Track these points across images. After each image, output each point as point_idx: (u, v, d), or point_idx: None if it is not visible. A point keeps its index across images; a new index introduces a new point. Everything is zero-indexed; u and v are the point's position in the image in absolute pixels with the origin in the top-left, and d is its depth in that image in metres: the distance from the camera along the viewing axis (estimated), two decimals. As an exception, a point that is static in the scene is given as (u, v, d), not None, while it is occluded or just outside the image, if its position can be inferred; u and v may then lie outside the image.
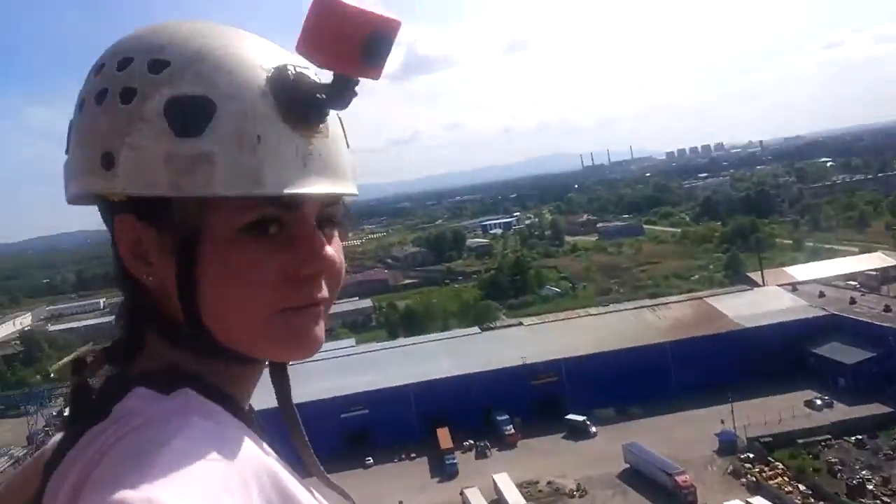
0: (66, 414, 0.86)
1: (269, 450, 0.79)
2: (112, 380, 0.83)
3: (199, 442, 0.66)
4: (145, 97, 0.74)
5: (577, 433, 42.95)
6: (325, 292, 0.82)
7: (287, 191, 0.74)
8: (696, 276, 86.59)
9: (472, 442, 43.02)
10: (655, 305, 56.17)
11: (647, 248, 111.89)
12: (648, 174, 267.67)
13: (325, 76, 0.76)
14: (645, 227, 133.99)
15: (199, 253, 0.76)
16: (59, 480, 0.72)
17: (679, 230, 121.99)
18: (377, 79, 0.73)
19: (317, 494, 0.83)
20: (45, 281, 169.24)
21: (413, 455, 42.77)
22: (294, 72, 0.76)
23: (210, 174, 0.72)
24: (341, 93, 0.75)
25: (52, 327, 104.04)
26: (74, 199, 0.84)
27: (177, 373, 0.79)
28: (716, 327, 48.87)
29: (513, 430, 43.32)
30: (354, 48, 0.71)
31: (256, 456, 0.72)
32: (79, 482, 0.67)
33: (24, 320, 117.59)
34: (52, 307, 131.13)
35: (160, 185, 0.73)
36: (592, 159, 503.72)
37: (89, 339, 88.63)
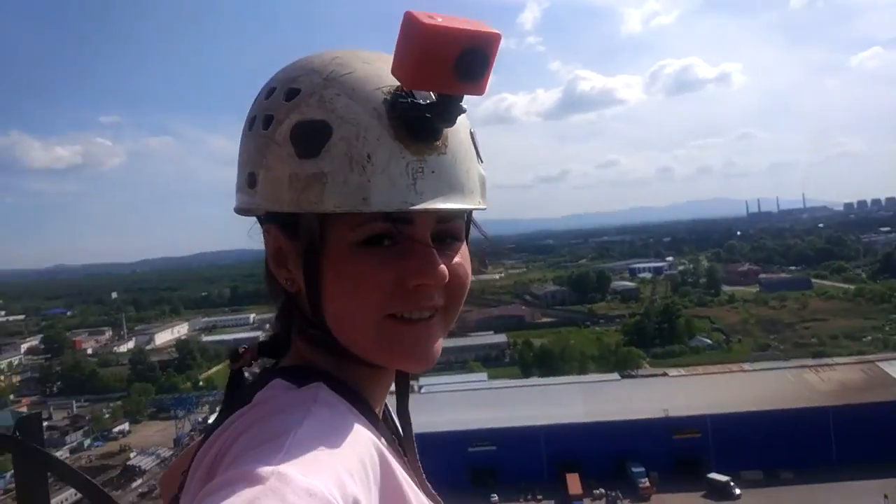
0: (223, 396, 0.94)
1: (386, 447, 0.82)
2: (263, 371, 0.92)
3: (322, 429, 0.72)
4: (279, 123, 0.81)
5: (719, 494, 39.78)
6: (437, 301, 0.85)
7: (394, 208, 0.78)
8: (869, 338, 78.79)
9: (602, 491, 41.14)
10: (819, 366, 51.08)
11: (814, 303, 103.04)
12: (821, 225, 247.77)
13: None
14: (814, 281, 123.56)
15: (322, 262, 0.82)
16: (202, 455, 0.78)
17: (853, 287, 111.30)
18: (481, 94, 0.75)
19: (424, 498, 0.87)
20: (203, 294, 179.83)
21: (539, 497, 41.40)
22: (407, 92, 0.79)
23: (322, 192, 0.77)
24: (445, 111, 0.77)
25: (205, 338, 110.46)
26: (238, 211, 0.92)
27: (312, 368, 0.86)
28: (888, 394, 43.57)
29: (647, 483, 40.92)
30: (447, 68, 0.72)
31: (372, 448, 0.77)
32: (217, 458, 0.74)
33: (181, 329, 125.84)
34: (206, 319, 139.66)
35: (285, 201, 0.80)
36: (759, 206, 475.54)
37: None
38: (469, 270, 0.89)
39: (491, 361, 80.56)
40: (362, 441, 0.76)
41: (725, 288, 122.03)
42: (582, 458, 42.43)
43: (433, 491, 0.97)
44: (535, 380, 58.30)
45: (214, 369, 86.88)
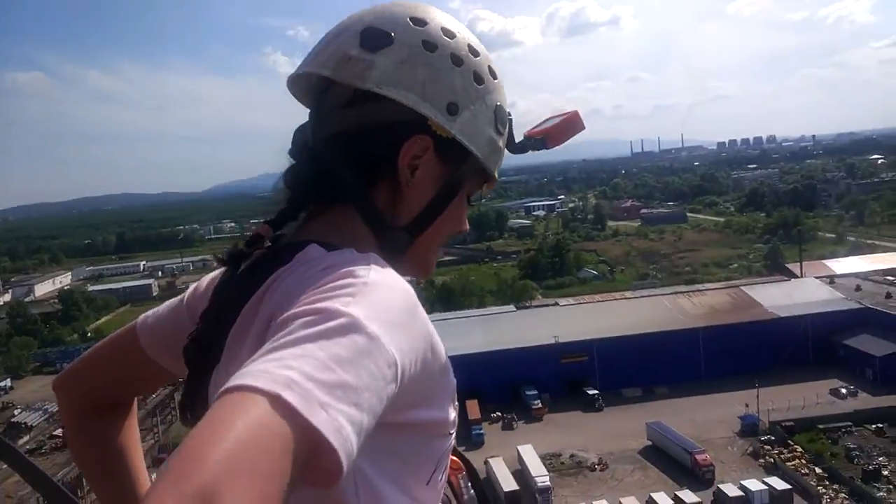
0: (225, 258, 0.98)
1: None
2: (282, 240, 1.00)
3: (382, 282, 0.80)
4: (489, 91, 1.06)
5: (589, 406, 44.32)
6: None
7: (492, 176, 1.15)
8: (735, 266, 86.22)
9: (499, 414, 43.92)
10: (691, 292, 56.21)
11: (688, 235, 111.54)
12: (697, 163, 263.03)
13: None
14: (689, 215, 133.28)
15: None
16: (250, 316, 0.87)
17: (722, 219, 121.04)
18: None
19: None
20: (86, 241, 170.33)
21: (441, 424, 43.95)
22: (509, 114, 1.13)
23: (498, 161, 1.11)
24: (529, 148, 1.17)
25: (91, 287, 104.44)
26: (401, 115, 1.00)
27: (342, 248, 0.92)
28: (749, 315, 49.06)
29: (540, 405, 44.27)
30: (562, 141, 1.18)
31: (420, 307, 0.85)
32: (278, 304, 0.81)
33: (63, 279, 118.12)
34: (91, 268, 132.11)
35: (482, 151, 1.06)
36: (642, 146, 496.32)
37: (128, 300, 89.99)
38: None
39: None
40: (412, 298, 0.83)
41: (610, 223, 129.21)
42: (481, 385, 44.58)
43: None
44: (437, 315, 60.27)
45: (104, 319, 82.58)
